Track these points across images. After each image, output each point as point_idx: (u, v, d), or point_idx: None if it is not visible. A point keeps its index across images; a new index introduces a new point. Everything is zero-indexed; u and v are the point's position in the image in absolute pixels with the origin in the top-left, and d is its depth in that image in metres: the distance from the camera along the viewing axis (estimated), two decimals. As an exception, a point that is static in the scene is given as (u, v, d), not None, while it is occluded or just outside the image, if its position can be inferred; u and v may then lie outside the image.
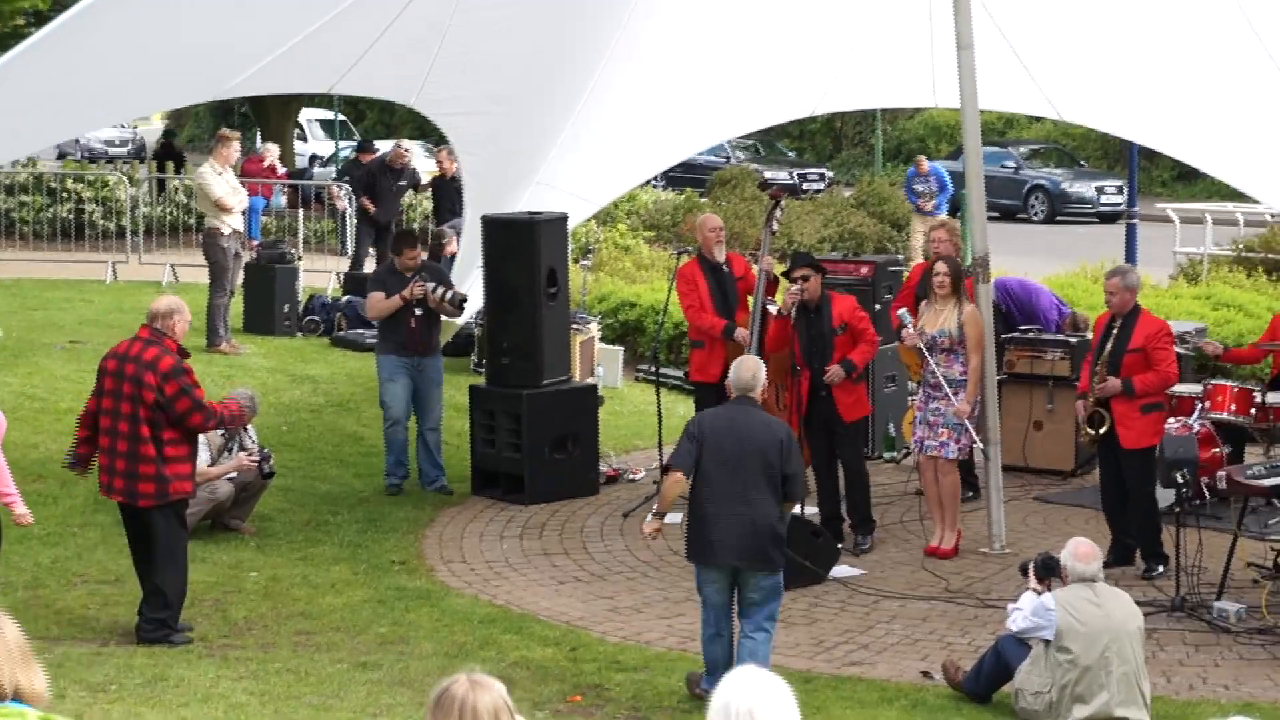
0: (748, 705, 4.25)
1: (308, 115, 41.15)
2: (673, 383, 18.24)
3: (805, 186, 39.94)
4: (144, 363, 10.88)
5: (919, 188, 28.19)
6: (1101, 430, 12.70)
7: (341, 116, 42.28)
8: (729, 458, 9.79)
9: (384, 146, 28.05)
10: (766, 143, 45.55)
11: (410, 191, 25.41)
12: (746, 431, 9.80)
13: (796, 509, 13.01)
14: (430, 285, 14.78)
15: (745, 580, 9.85)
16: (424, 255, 15.67)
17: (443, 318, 15.26)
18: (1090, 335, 15.80)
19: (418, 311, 14.72)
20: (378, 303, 14.81)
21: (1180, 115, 15.01)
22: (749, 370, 10.06)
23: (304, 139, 42.39)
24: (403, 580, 12.64)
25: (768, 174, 40.23)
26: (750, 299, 14.22)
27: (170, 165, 30.53)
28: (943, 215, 27.97)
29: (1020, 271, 19.21)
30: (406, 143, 26.11)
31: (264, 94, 23.11)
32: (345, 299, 21.52)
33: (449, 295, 14.84)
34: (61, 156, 34.87)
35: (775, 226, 14.79)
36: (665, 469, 10.11)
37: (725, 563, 9.80)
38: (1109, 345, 12.66)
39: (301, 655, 10.95)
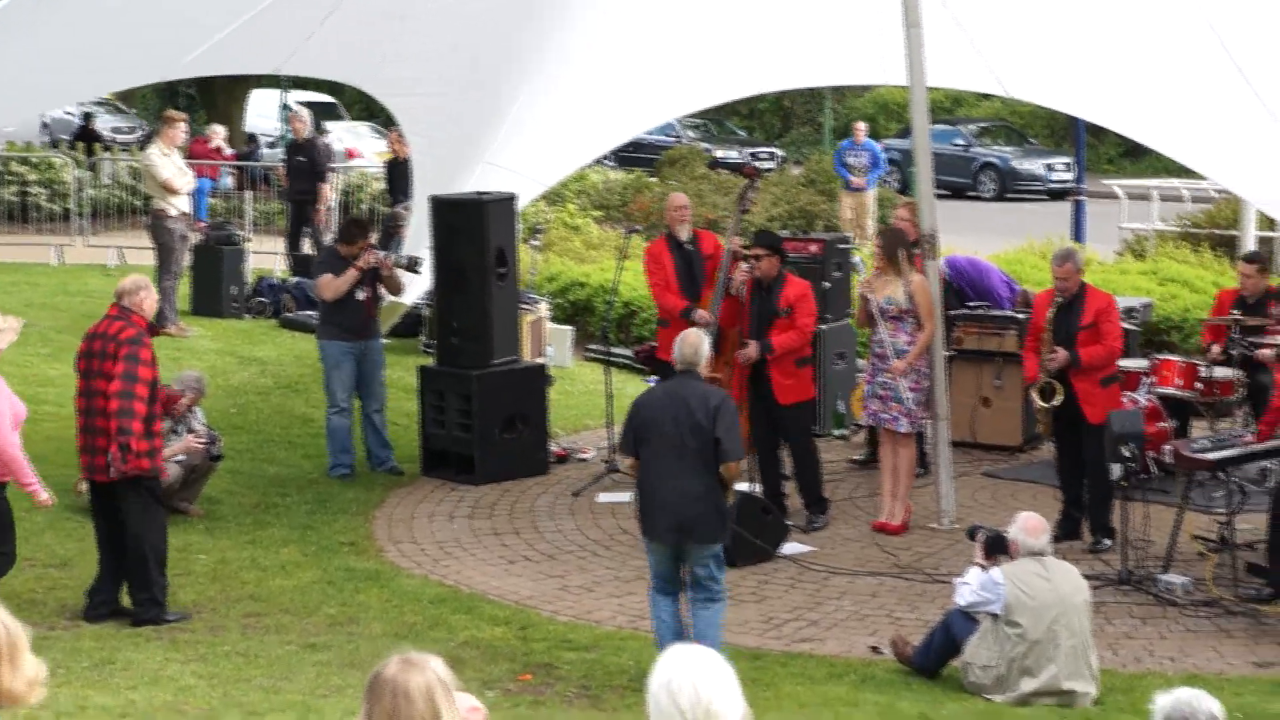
0: (689, 682, 4.24)
1: (296, 98, 40.40)
2: (622, 362, 18.24)
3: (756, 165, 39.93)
4: (109, 337, 11.03)
5: (850, 160, 27.97)
6: (1053, 402, 12.76)
7: (329, 98, 41.75)
8: (668, 433, 9.86)
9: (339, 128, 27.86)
10: (717, 121, 45.50)
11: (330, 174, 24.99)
12: (685, 405, 9.86)
13: (745, 486, 13.08)
14: (382, 252, 14.73)
15: (689, 554, 9.91)
16: (374, 239, 15.60)
17: (389, 299, 15.19)
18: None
19: (361, 295, 14.59)
20: (329, 283, 14.67)
21: (1127, 92, 15.06)
22: (691, 345, 10.10)
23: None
24: (352, 561, 12.61)
25: (718, 153, 40.22)
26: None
27: (91, 148, 30.45)
28: (872, 192, 27.93)
29: (970, 249, 19.25)
30: (301, 109, 25.85)
31: (213, 74, 22.99)
32: (294, 280, 21.44)
33: (403, 258, 14.79)
34: (55, 145, 34.50)
35: (747, 206, 14.76)
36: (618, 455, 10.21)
37: (668, 538, 9.88)
38: (1059, 323, 12.69)
39: (250, 637, 10.92)
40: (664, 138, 40.09)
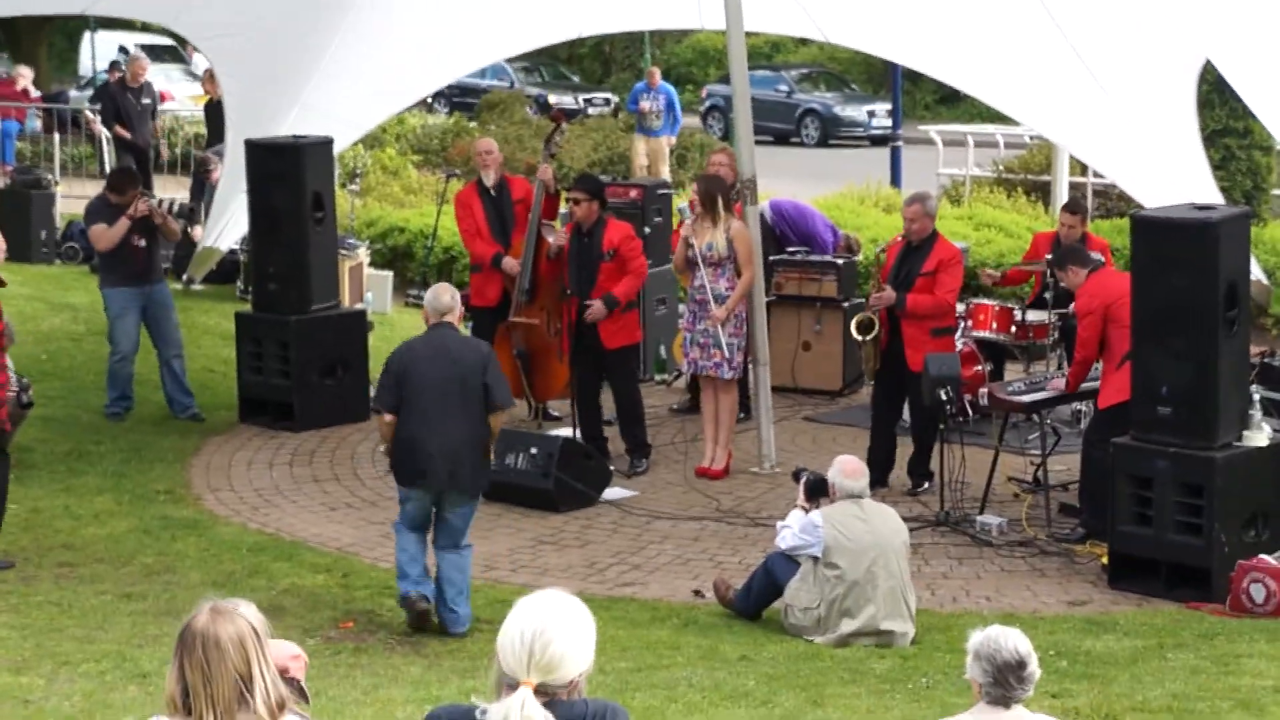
0: (538, 627, 4.23)
1: (134, 40, 39.20)
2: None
3: (590, 111, 39.73)
4: None
5: (646, 104, 27.63)
6: (869, 336, 12.90)
7: (171, 40, 40.72)
8: (433, 382, 9.93)
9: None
10: (551, 67, 45.29)
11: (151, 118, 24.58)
12: (448, 355, 9.97)
13: (567, 432, 13.09)
14: (154, 200, 14.49)
15: (445, 502, 10.04)
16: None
17: (202, 245, 14.98)
18: (857, 258, 16.04)
19: (142, 240, 14.36)
20: (103, 234, 14.37)
21: (942, 37, 15.21)
22: (446, 294, 10.24)
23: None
24: (169, 509, 12.44)
25: (552, 98, 40.09)
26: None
27: None
28: (668, 137, 27.65)
29: (792, 195, 19.33)
30: (140, 52, 25.38)
31: (16, 14, 22.42)
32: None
33: (175, 207, 14.56)
34: None
35: (554, 150, 14.75)
36: (375, 411, 10.20)
37: (432, 486, 9.99)
38: (901, 265, 12.78)
39: (64, 587, 10.74)
40: (496, 82, 39.84)
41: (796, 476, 10.46)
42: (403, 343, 10.56)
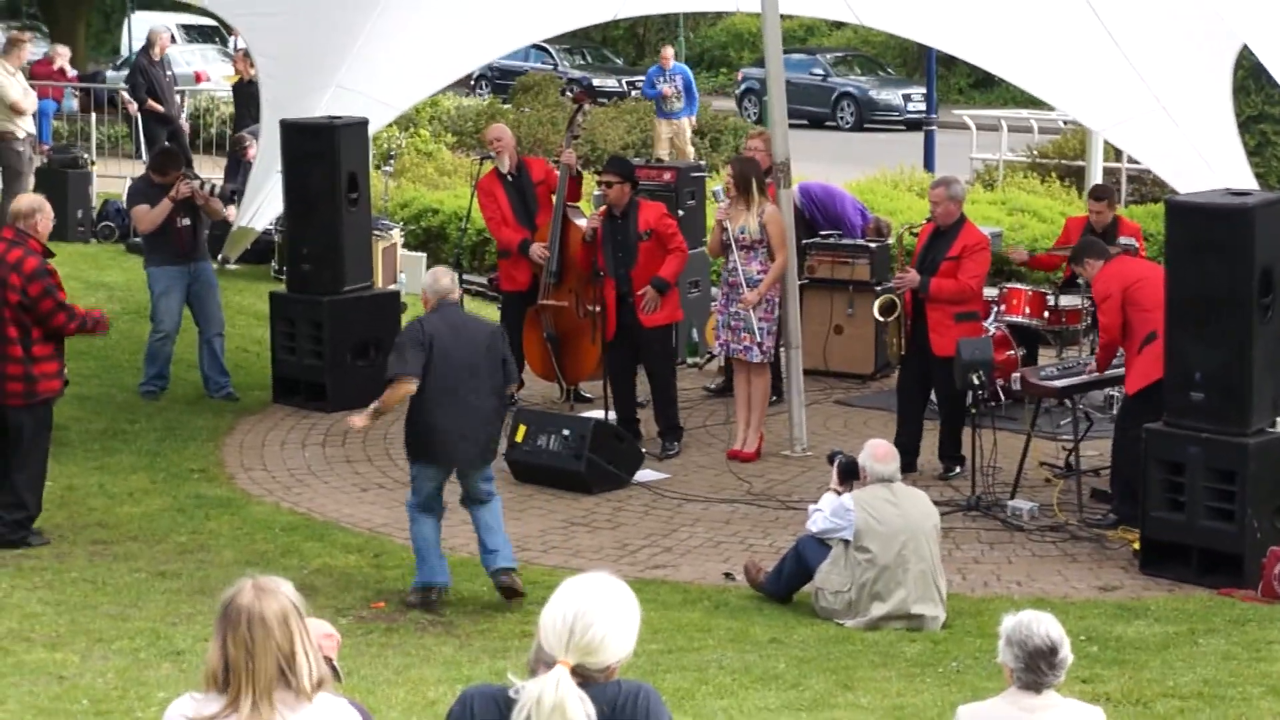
0: (581, 608, 4.24)
1: (175, 21, 39.20)
2: (476, 289, 18.17)
3: (634, 94, 39.68)
4: (8, 264, 10.87)
5: (662, 86, 27.41)
6: (891, 317, 12.90)
7: (213, 20, 40.74)
8: (454, 360, 10.07)
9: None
10: (594, 50, 45.27)
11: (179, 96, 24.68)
12: (467, 333, 10.19)
13: (599, 414, 13.11)
14: (197, 182, 14.56)
15: (468, 474, 10.24)
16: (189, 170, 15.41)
17: (238, 225, 15.02)
18: (891, 241, 16.01)
19: (186, 219, 14.43)
20: (145, 215, 14.47)
21: (976, 21, 15.17)
22: (446, 276, 10.41)
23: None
24: (202, 488, 12.49)
25: (596, 81, 40.12)
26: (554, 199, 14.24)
27: None
28: (688, 118, 27.51)
29: (826, 178, 19.31)
30: (161, 26, 25.47)
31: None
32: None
33: (217, 188, 14.64)
34: None
35: (577, 132, 14.78)
36: (390, 379, 10.20)
37: (451, 463, 10.21)
38: (928, 249, 12.77)
39: (98, 564, 10.80)
40: (540, 65, 39.86)
41: (831, 459, 10.45)
42: (417, 318, 10.51)
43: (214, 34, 39.34)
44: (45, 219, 11.20)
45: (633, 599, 4.33)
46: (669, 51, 28.56)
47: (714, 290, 15.24)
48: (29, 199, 11.40)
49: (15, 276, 10.82)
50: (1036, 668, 5.41)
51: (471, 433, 10.08)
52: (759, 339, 13.06)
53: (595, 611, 4.23)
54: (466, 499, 10.35)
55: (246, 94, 22.24)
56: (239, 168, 19.04)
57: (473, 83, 39.57)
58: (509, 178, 14.36)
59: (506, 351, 10.32)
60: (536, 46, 39.76)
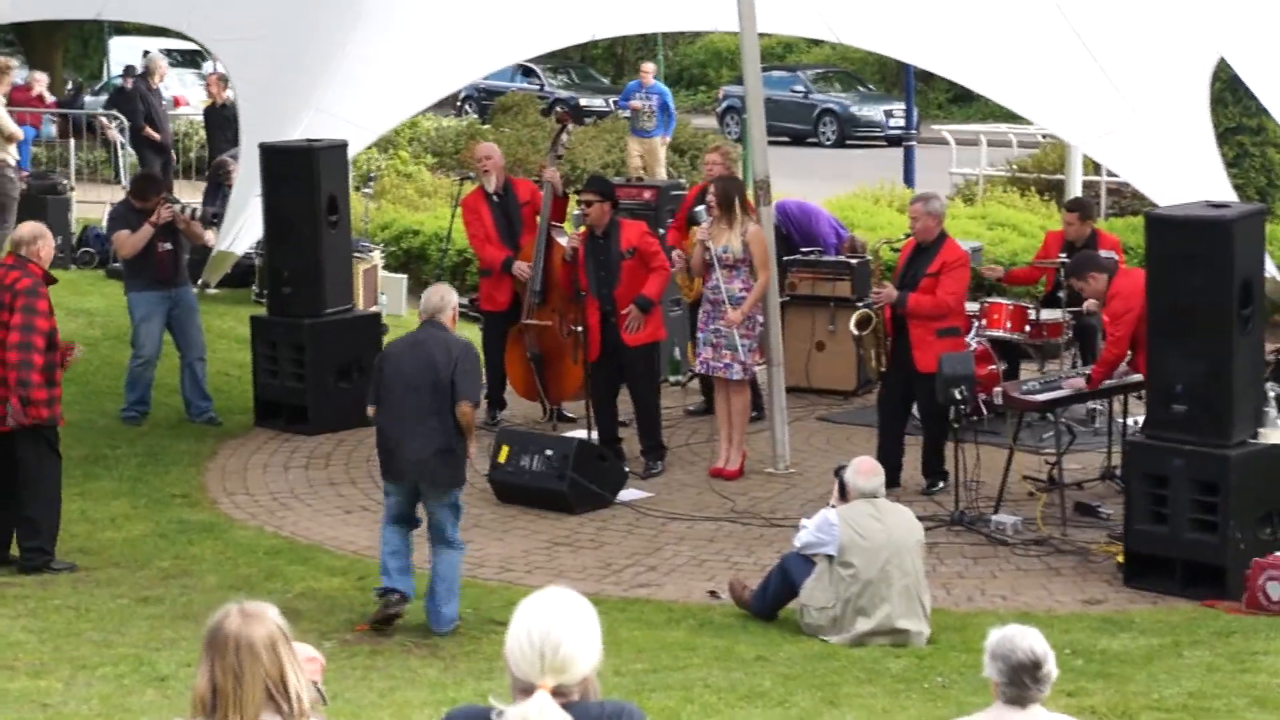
0: (545, 629, 4.23)
1: (153, 45, 39.03)
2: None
3: (621, 114, 39.67)
4: (4, 286, 11.00)
5: (638, 102, 27.16)
6: (866, 331, 12.92)
7: (193, 45, 40.61)
8: (405, 380, 10.11)
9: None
10: (580, 69, 45.28)
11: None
12: (427, 353, 10.10)
13: (581, 433, 13.10)
14: (178, 206, 14.54)
15: (426, 498, 10.17)
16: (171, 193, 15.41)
17: (218, 248, 15.00)
18: (868, 257, 16.02)
19: (167, 244, 14.42)
20: (126, 240, 14.46)
21: (954, 37, 15.20)
22: (437, 294, 10.37)
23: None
24: (185, 513, 12.46)
25: (583, 101, 40.10)
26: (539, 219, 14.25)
27: None
28: (661, 137, 27.13)
29: (804, 195, 19.34)
30: (159, 54, 25.46)
31: (29, 20, 22.44)
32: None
33: (198, 213, 14.63)
34: None
35: (560, 151, 14.79)
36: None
37: (407, 481, 10.15)
38: (909, 265, 12.78)
39: (81, 591, 10.76)
40: (527, 85, 39.86)
41: (837, 473, 10.36)
42: (394, 339, 10.78)
43: (192, 59, 39.31)
44: (47, 245, 11.33)
45: (589, 606, 4.32)
46: (649, 68, 28.34)
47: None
48: (30, 226, 11.53)
49: (8, 296, 10.94)
50: (1021, 682, 5.41)
51: (416, 450, 10.04)
52: (742, 356, 13.06)
53: (560, 629, 4.22)
54: (429, 532, 10.27)
55: (220, 118, 22.25)
56: (219, 191, 19.02)
57: (459, 104, 39.55)
58: (495, 197, 14.37)
59: (461, 372, 10.05)
60: (522, 68, 39.83)
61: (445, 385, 10.03)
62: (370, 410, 10.37)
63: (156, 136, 23.17)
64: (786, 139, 36.83)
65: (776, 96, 38.25)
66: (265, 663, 4.41)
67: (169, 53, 32.25)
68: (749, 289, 13.04)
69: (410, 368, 10.12)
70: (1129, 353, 12.08)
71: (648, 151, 27.07)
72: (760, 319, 13.22)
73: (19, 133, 19.29)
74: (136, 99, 23.80)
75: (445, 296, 10.38)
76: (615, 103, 39.26)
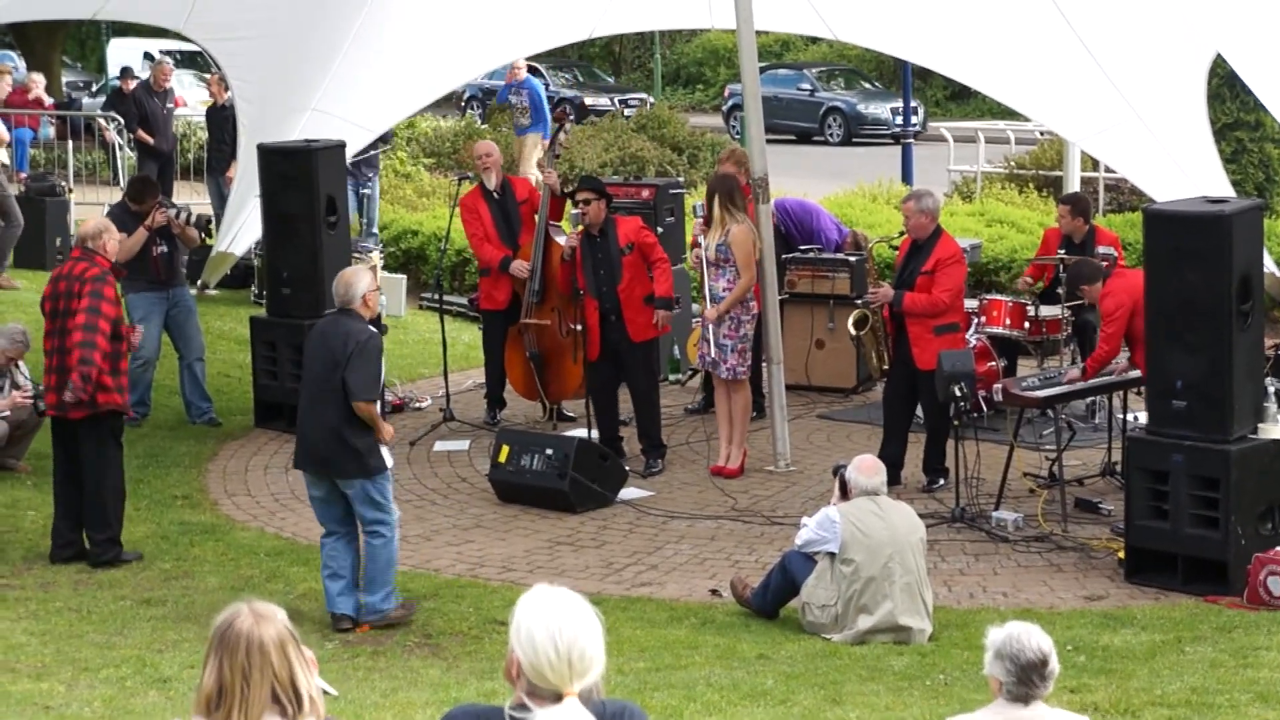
0: (570, 635, 4.20)
1: (153, 47, 39.02)
2: (456, 310, 18.17)
3: (627, 112, 39.62)
4: (74, 277, 11.29)
5: (513, 99, 26.37)
6: (862, 331, 12.93)
7: (193, 46, 40.56)
8: (315, 370, 10.16)
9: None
10: (584, 68, 45.28)
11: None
12: (329, 343, 10.09)
13: (581, 432, 13.10)
14: (172, 211, 14.55)
15: (340, 485, 10.15)
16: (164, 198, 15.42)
17: (217, 249, 15.00)
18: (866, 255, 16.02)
19: (162, 246, 14.42)
20: (121, 243, 14.45)
21: (951, 34, 15.21)
22: (344, 282, 10.27)
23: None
24: (186, 515, 12.47)
25: (588, 100, 40.09)
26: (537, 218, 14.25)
27: None
28: (537, 136, 25.63)
29: (805, 193, 19.34)
30: (165, 57, 25.42)
31: (26, 20, 22.43)
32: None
33: (194, 216, 14.64)
34: None
35: (558, 150, 14.78)
36: None
37: (310, 469, 10.22)
38: (906, 263, 12.79)
39: (83, 593, 10.77)
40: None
41: (835, 472, 10.39)
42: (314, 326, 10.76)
43: (192, 60, 39.29)
44: (112, 239, 11.62)
45: (590, 605, 4.31)
46: (521, 65, 26.49)
47: (695, 306, 15.24)
48: (96, 222, 11.87)
49: (78, 285, 11.22)
50: (1029, 680, 5.41)
51: (316, 440, 10.09)
52: (725, 356, 13.03)
53: (581, 635, 4.19)
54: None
55: (221, 118, 22.22)
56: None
57: (462, 104, 39.55)
58: (494, 195, 14.37)
59: (353, 370, 9.91)
60: (527, 67, 39.74)
61: (341, 379, 10.00)
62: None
63: (150, 140, 23.12)
64: (793, 137, 36.81)
65: (783, 94, 38.28)
66: (275, 664, 4.41)
67: (169, 53, 32.23)
68: (734, 287, 13.01)
69: (312, 357, 10.21)
70: (1124, 350, 12.11)
71: (518, 148, 25.92)
72: (746, 320, 13.12)
73: (4, 135, 19.31)
74: (131, 102, 23.75)
75: (353, 284, 10.17)
76: (629, 103, 39.37)
